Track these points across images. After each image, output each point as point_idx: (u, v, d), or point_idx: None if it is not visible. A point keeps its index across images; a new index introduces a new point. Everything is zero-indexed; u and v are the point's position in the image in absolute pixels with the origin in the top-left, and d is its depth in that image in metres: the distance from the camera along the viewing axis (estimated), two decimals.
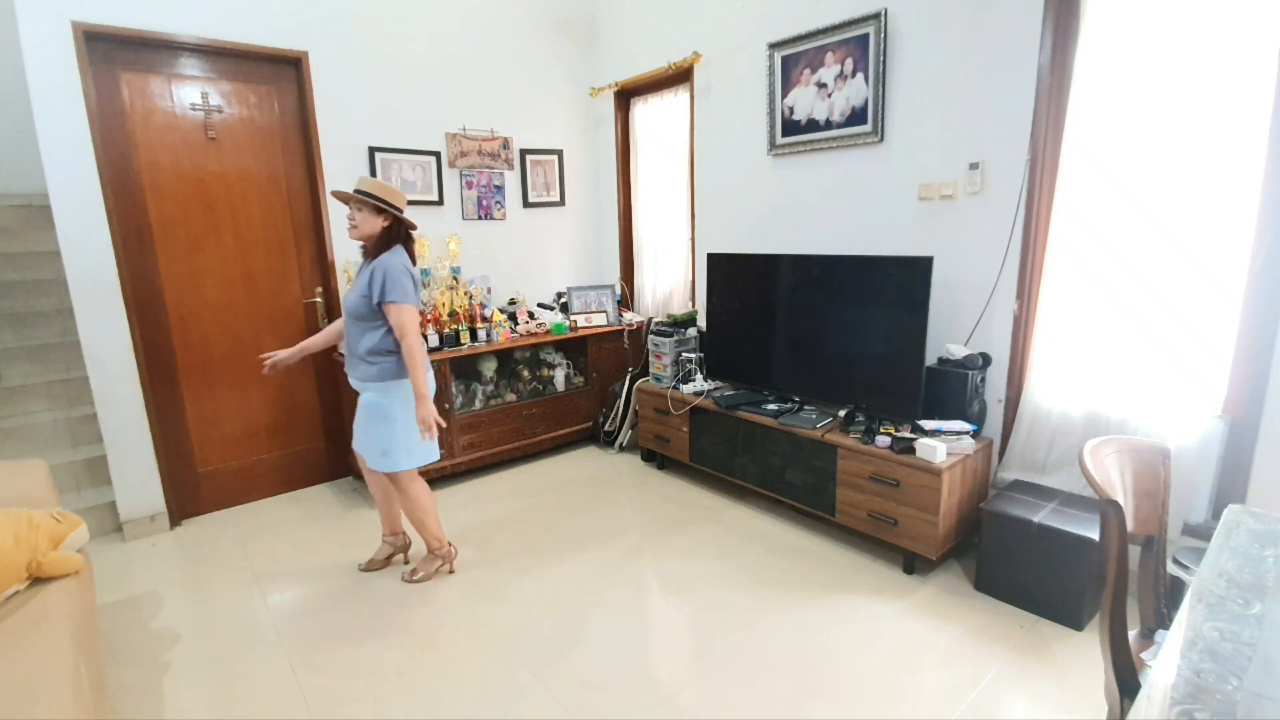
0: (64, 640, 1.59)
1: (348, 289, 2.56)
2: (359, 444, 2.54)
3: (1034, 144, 2.42)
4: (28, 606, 1.71)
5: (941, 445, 2.43)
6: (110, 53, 2.86)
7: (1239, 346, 2.07)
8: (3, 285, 3.61)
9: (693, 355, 3.64)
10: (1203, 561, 1.27)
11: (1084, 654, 2.08)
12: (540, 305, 4.26)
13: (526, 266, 4.32)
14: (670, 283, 4.30)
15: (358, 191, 2.28)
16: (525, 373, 3.94)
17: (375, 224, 2.31)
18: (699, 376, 3.54)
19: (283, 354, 2.55)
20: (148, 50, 2.94)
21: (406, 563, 2.75)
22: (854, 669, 2.05)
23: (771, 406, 3.11)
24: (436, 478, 3.55)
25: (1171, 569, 2.02)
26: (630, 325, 4.18)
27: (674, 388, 3.56)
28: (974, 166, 2.60)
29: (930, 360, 2.67)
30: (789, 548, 2.81)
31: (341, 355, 2.62)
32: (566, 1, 4.24)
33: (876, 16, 2.77)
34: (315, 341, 2.61)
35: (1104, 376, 2.39)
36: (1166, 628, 1.32)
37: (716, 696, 1.95)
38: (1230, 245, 2.06)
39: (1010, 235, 2.54)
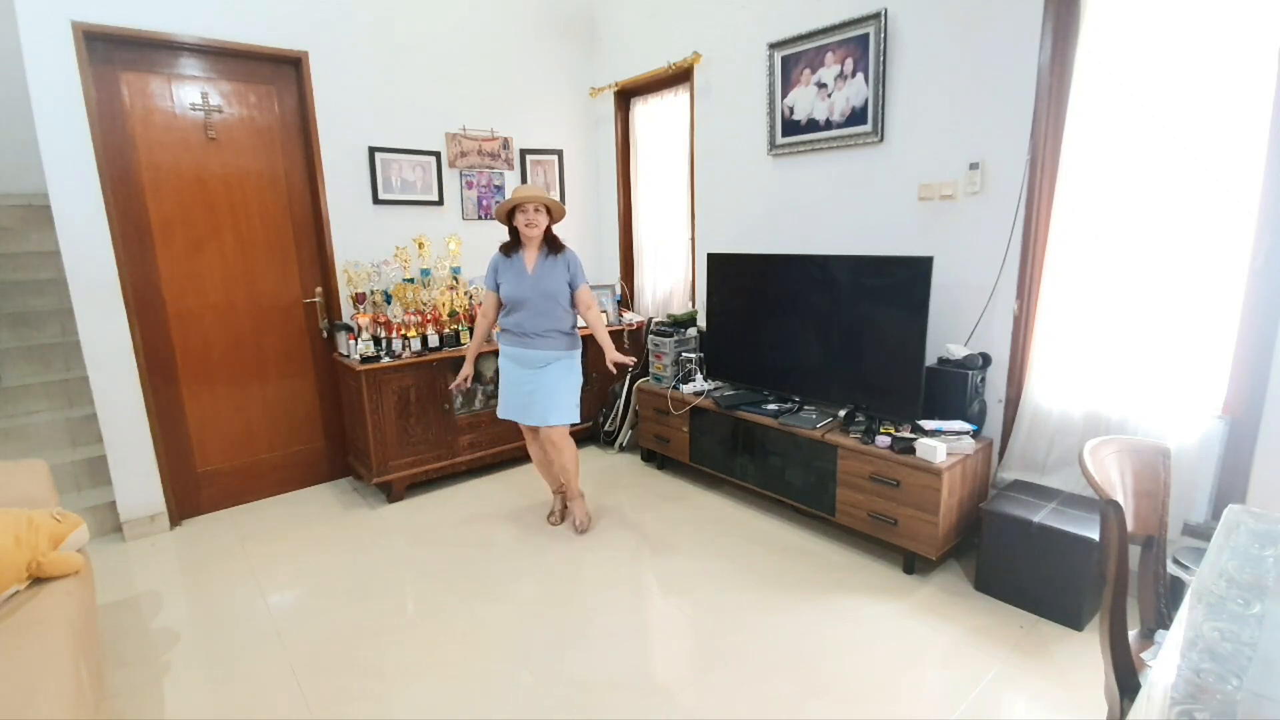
0: (64, 640, 1.59)
1: (527, 277, 2.78)
2: (545, 409, 2.84)
3: (1034, 144, 2.42)
4: (28, 606, 1.71)
5: (941, 445, 2.43)
6: (110, 53, 2.86)
7: (1239, 346, 2.07)
8: (3, 285, 3.61)
9: (693, 355, 3.64)
10: (1203, 561, 1.27)
11: (1084, 654, 2.07)
12: None
13: None
14: (670, 283, 4.30)
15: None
16: None
17: (545, 223, 2.78)
18: (699, 376, 3.54)
19: (466, 371, 3.04)
20: (148, 50, 2.94)
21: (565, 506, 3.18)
22: (854, 669, 2.05)
23: (771, 406, 3.11)
24: (437, 477, 3.56)
25: (1171, 569, 2.02)
26: (630, 325, 4.18)
27: (674, 388, 3.56)
28: (974, 166, 2.60)
29: (930, 360, 2.67)
30: (789, 548, 2.81)
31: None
32: (566, 2, 4.24)
33: (876, 16, 2.77)
34: (478, 345, 3.05)
35: (1104, 376, 2.38)
36: (1166, 628, 1.32)
37: (717, 696, 1.95)
38: (1230, 245, 2.06)
39: (1010, 235, 2.54)
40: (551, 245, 2.82)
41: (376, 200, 3.62)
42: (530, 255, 2.81)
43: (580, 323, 2.93)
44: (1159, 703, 0.90)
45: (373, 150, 3.57)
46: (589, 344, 3.99)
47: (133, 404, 3.01)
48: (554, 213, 2.81)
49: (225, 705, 1.97)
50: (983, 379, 2.65)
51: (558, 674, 2.06)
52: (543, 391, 2.84)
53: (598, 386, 4.11)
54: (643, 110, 4.23)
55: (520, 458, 3.86)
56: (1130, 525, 1.32)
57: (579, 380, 2.94)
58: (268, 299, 3.40)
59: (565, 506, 3.19)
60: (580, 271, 2.86)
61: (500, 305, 2.90)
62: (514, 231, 2.81)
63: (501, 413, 2.98)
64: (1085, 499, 2.38)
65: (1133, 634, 1.37)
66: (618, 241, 4.54)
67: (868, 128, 2.91)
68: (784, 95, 3.23)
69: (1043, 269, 2.50)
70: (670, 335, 3.66)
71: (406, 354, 3.36)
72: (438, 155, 3.81)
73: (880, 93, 2.83)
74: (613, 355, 2.81)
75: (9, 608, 1.69)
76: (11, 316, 3.54)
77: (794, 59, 3.14)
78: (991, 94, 2.52)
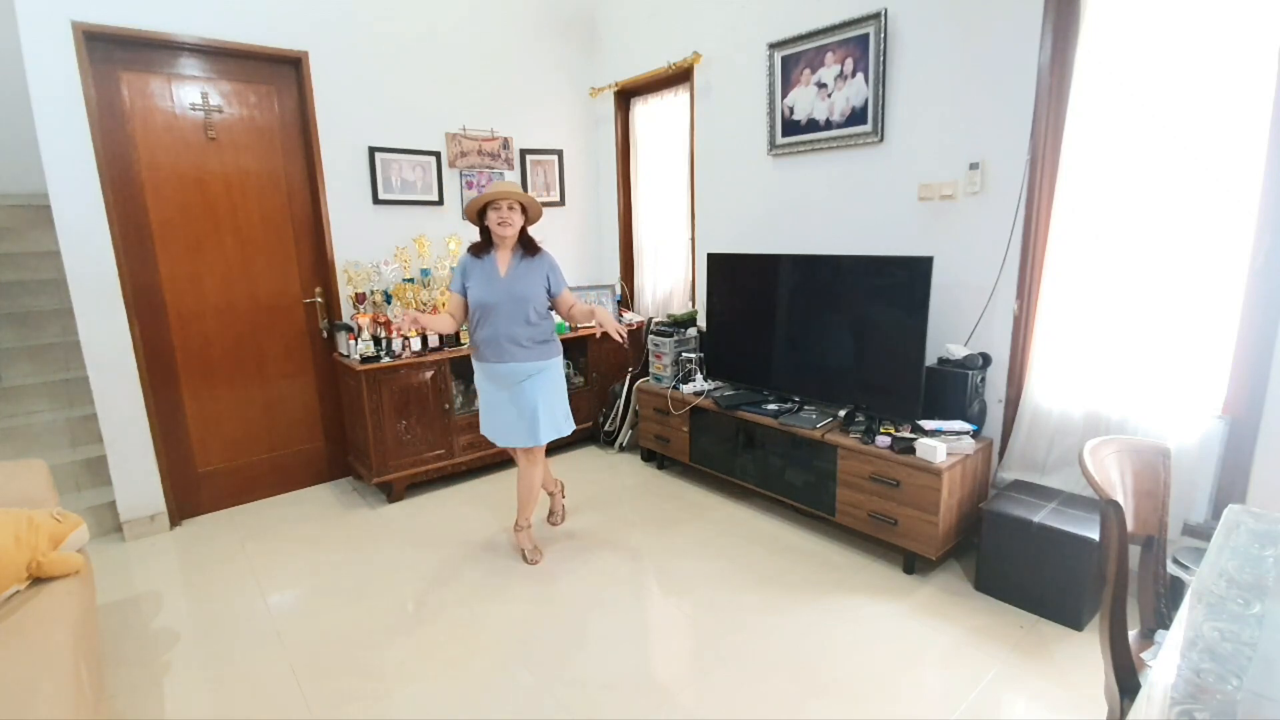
0: (64, 640, 1.59)
1: (499, 280, 2.56)
2: (533, 428, 2.62)
3: (1034, 144, 2.42)
4: (28, 606, 1.71)
5: (941, 445, 2.43)
6: (110, 53, 2.86)
7: (1239, 346, 2.07)
8: (3, 285, 3.61)
9: (693, 355, 3.64)
10: (1203, 561, 1.27)
11: (1084, 654, 2.07)
12: None
13: None
14: (670, 283, 4.30)
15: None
16: None
17: (519, 222, 2.58)
18: (699, 376, 3.54)
19: (413, 314, 2.55)
20: (148, 50, 2.94)
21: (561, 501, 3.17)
22: (854, 669, 2.05)
23: (771, 406, 3.11)
24: (437, 477, 3.56)
25: (1171, 569, 2.02)
26: (630, 325, 4.18)
27: (674, 388, 3.56)
28: (974, 166, 2.60)
29: (930, 360, 2.67)
30: (789, 548, 2.81)
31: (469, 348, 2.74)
32: (566, 2, 4.24)
33: (876, 16, 2.77)
34: (434, 322, 2.63)
35: (1104, 376, 2.38)
36: (1166, 628, 1.32)
37: (717, 696, 1.95)
38: (1230, 245, 2.06)
39: (1010, 235, 2.54)
40: (527, 247, 2.62)
41: (376, 200, 3.62)
42: (503, 257, 2.60)
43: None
44: (1159, 703, 0.90)
45: (373, 150, 3.57)
46: (588, 344, 4.01)
47: (133, 404, 3.01)
48: (530, 212, 2.60)
49: (225, 705, 1.97)
50: (983, 379, 2.65)
51: (558, 674, 2.06)
52: (528, 409, 2.63)
53: (598, 386, 4.11)
54: (643, 110, 4.23)
55: None
56: (1130, 525, 1.32)
57: (564, 387, 2.77)
58: (268, 299, 3.40)
59: (564, 506, 3.18)
60: (560, 277, 2.67)
61: (466, 310, 2.64)
62: (485, 231, 2.60)
63: (485, 431, 2.76)
64: (1085, 499, 2.38)
65: (1133, 634, 1.37)
66: (618, 241, 4.54)
67: (868, 128, 2.90)
68: (784, 95, 3.23)
69: (1043, 269, 2.50)
70: (670, 335, 3.66)
71: (406, 354, 3.35)
72: (438, 155, 3.81)
73: (880, 93, 2.83)
74: (610, 323, 2.54)
75: (9, 608, 1.69)
76: (11, 316, 3.54)
77: (794, 59, 3.14)
78: (991, 94, 2.52)
